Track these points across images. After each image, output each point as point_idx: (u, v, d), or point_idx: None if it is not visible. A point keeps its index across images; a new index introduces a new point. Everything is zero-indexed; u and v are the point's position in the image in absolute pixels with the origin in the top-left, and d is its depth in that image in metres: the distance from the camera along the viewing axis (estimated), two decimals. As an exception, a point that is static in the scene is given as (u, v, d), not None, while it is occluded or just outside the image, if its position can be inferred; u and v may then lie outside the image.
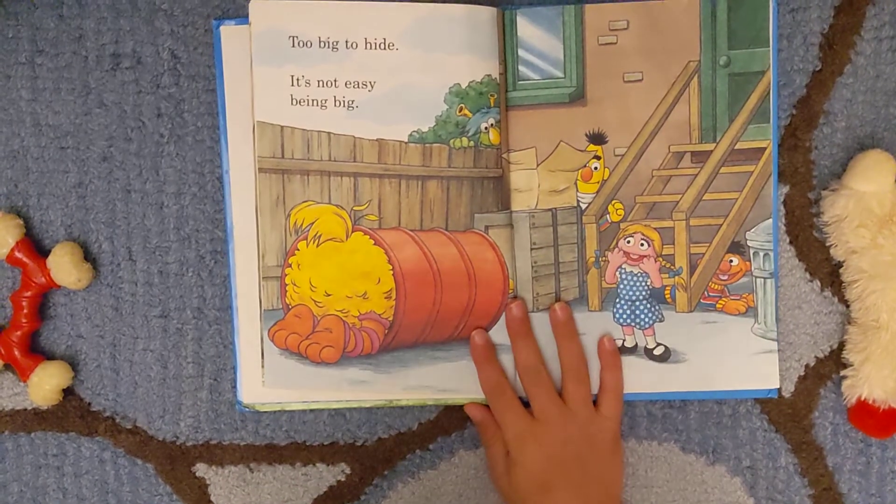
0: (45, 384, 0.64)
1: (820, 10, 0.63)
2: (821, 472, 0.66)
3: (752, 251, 0.64)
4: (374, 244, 0.63)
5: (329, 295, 0.63)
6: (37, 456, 0.68)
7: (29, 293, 0.64)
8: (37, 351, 0.66)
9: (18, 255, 0.64)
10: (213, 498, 0.67)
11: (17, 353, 0.65)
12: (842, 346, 0.65)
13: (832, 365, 0.66)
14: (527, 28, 0.64)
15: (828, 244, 0.64)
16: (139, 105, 0.65)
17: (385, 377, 0.64)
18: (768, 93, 0.63)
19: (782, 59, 0.64)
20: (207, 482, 0.67)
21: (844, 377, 0.64)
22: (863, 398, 0.63)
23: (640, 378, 0.65)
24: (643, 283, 0.65)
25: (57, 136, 0.65)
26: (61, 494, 0.68)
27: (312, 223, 0.63)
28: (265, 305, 0.63)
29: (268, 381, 0.64)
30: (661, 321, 0.65)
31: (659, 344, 0.65)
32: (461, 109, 0.62)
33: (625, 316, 0.65)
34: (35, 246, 0.65)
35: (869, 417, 0.63)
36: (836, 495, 0.67)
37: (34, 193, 0.66)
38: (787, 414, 0.66)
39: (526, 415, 0.62)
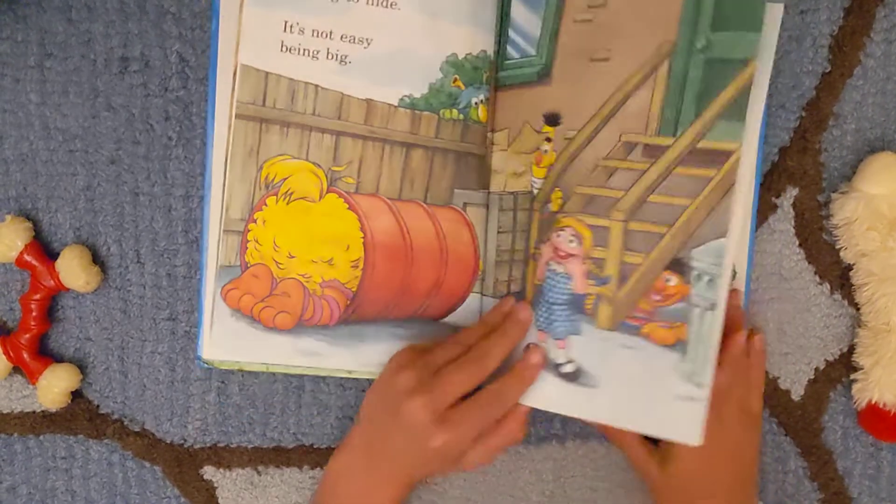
0: (54, 387, 0.64)
1: (829, 11, 0.63)
2: (830, 476, 0.66)
3: (694, 273, 0.55)
4: (349, 209, 0.60)
5: (293, 257, 0.60)
6: (45, 458, 0.68)
7: (38, 296, 0.65)
8: (45, 353, 0.67)
9: (27, 258, 0.64)
10: (220, 501, 0.67)
11: (25, 355, 0.65)
12: (852, 349, 0.65)
13: (842, 368, 0.65)
14: (517, 7, 0.60)
15: (837, 247, 0.64)
16: (147, 108, 0.65)
17: (340, 350, 0.61)
18: (749, 86, 0.53)
19: (791, 61, 0.63)
20: (215, 485, 0.67)
21: (854, 381, 0.64)
22: (873, 402, 0.63)
23: (543, 393, 0.57)
24: (564, 286, 0.58)
25: (65, 140, 0.65)
26: (69, 497, 0.68)
27: (285, 179, 0.59)
28: (223, 261, 0.60)
29: (214, 342, 0.61)
30: (576, 334, 0.57)
31: (570, 360, 0.57)
32: (455, 80, 0.60)
33: (541, 320, 0.59)
34: (44, 249, 0.65)
35: (879, 421, 0.63)
36: (846, 500, 0.66)
37: (43, 196, 0.66)
38: (797, 417, 0.66)
39: None
